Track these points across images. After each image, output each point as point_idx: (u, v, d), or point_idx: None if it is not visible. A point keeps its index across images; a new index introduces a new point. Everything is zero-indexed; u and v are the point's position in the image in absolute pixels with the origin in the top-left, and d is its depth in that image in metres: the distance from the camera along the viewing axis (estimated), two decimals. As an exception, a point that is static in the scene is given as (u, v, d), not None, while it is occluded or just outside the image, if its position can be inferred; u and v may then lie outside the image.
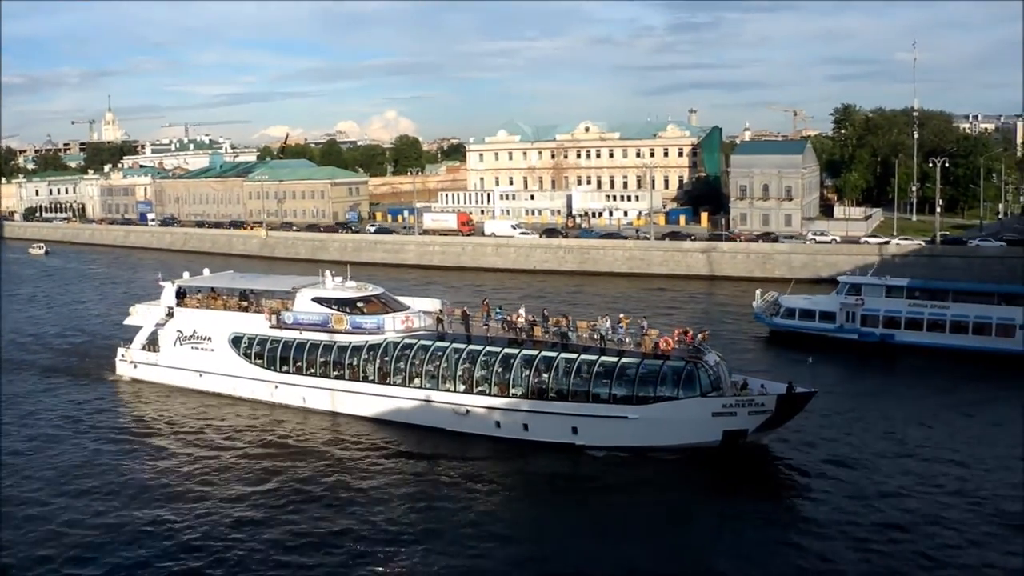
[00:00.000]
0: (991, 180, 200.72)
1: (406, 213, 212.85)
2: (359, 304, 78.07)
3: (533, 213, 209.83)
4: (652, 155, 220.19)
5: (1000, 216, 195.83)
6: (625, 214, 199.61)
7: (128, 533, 53.46)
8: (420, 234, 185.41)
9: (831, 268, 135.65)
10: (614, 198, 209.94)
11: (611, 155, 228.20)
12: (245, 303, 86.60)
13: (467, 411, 68.66)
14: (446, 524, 53.73)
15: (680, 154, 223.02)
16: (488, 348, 69.75)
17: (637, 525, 53.70)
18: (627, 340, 67.56)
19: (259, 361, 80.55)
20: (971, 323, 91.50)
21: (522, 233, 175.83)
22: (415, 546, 50.90)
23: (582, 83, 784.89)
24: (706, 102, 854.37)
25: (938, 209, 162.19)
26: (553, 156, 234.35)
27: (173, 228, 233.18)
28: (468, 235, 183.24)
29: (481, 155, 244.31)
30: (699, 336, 67.86)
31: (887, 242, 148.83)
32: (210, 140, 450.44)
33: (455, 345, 71.25)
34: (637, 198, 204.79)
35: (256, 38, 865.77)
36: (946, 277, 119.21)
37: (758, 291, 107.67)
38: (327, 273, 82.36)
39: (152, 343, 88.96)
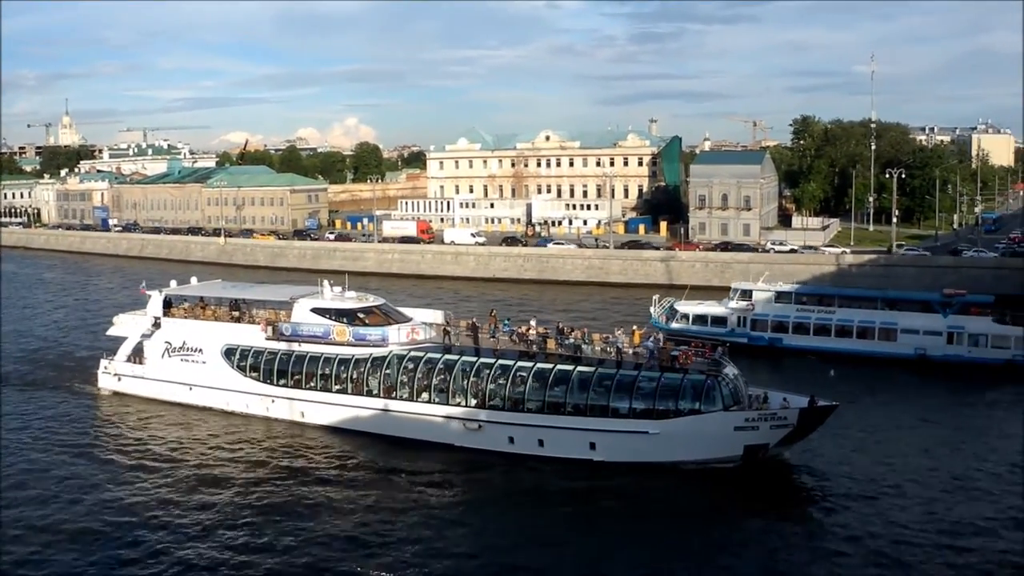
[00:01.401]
0: (947, 191, 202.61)
1: (365, 221, 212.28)
2: (360, 315, 75.46)
3: (493, 221, 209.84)
4: (612, 164, 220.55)
5: (955, 227, 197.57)
6: (585, 223, 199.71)
7: (112, 561, 51.01)
8: (379, 242, 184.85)
9: (789, 277, 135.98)
10: (574, 207, 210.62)
11: (571, 164, 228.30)
12: (237, 313, 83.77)
13: (480, 426, 66.32)
14: (465, 546, 52.29)
15: (640, 163, 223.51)
16: (501, 361, 67.54)
17: (654, 539, 53.12)
18: (651, 350, 66.16)
19: (254, 374, 77.33)
20: (855, 327, 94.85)
21: (478, 243, 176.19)
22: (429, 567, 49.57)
23: (543, 92, 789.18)
24: (667, 112, 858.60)
25: (894, 219, 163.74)
26: (513, 164, 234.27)
27: (130, 234, 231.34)
28: (428, 243, 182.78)
29: (441, 163, 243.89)
30: (719, 349, 66.77)
31: (844, 252, 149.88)
32: (169, 145, 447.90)
33: (465, 358, 68.81)
34: (597, 207, 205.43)
35: (218, 43, 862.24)
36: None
37: (655, 297, 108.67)
38: (325, 283, 79.86)
39: (137, 355, 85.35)
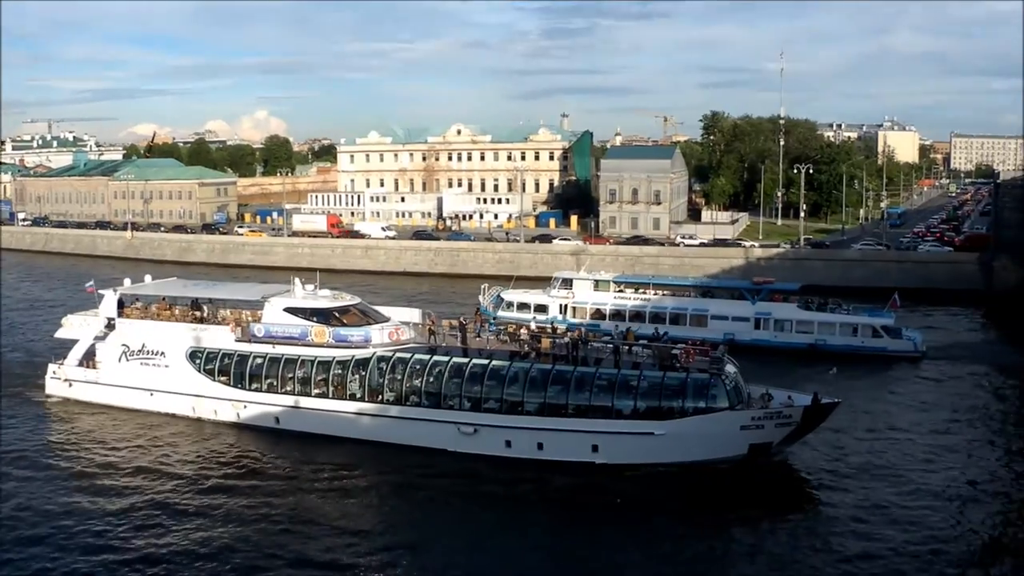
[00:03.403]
0: (853, 187, 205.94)
1: (275, 214, 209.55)
2: (337, 314, 71.62)
3: (404, 215, 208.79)
4: (523, 158, 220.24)
5: (861, 221, 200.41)
6: (495, 217, 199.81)
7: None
8: (289, 236, 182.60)
9: (699, 270, 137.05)
10: (485, 201, 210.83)
11: (482, 158, 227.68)
12: (199, 313, 78.74)
13: (475, 430, 63.52)
14: (465, 553, 50.24)
15: (551, 158, 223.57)
16: (495, 362, 65.09)
17: (658, 540, 52.00)
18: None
19: (223, 378, 72.25)
20: (668, 313, 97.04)
21: (389, 237, 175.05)
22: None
23: (455, 86, 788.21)
24: (578, 107, 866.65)
25: (802, 214, 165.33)
26: (424, 158, 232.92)
27: (35, 228, 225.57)
28: (338, 237, 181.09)
29: (352, 156, 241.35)
30: (720, 347, 65.73)
31: (753, 246, 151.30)
32: (74, 137, 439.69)
33: (456, 359, 65.84)
34: (508, 201, 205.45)
35: (126, 33, 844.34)
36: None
37: (484, 286, 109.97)
38: (296, 280, 76.04)
39: (89, 358, 79.42)
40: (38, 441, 68.97)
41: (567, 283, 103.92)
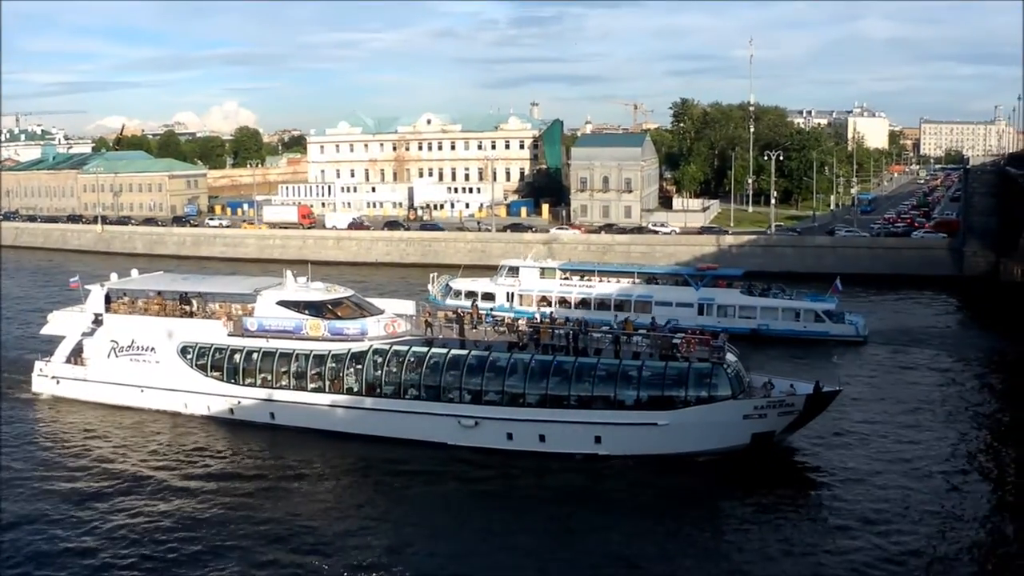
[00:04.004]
0: (824, 173, 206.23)
1: (246, 206, 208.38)
2: (331, 307, 70.41)
3: (375, 206, 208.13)
4: (494, 147, 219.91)
5: (832, 208, 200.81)
6: (467, 206, 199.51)
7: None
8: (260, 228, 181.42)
9: (670, 258, 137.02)
10: (456, 190, 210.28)
11: (453, 147, 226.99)
12: (188, 307, 76.59)
13: (476, 423, 62.64)
14: (468, 548, 49.42)
15: (521, 146, 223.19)
16: (495, 353, 64.32)
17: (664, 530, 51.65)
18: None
19: (216, 373, 71.05)
20: (613, 300, 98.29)
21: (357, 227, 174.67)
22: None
23: (425, 75, 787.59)
24: (548, 95, 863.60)
25: (773, 201, 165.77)
26: (395, 148, 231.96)
27: (8, 223, 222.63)
28: (309, 228, 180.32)
29: (322, 147, 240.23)
30: (720, 336, 64.43)
31: (725, 232, 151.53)
32: (42, 131, 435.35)
33: (455, 351, 65.09)
34: (479, 190, 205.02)
35: (94, 25, 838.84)
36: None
37: (433, 274, 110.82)
38: (288, 273, 74.56)
39: (76, 355, 77.86)
40: (26, 441, 67.15)
41: (514, 271, 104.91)
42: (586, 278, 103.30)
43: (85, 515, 53.51)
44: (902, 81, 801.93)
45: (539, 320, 69.97)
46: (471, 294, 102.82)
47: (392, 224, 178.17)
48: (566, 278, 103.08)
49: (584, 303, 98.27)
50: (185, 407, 72.06)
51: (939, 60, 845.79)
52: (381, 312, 71.07)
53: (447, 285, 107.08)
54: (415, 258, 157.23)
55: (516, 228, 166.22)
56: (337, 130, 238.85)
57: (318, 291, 72.69)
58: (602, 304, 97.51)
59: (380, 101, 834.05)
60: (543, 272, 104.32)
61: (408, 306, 74.29)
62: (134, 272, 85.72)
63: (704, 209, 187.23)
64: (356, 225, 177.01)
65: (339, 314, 69.85)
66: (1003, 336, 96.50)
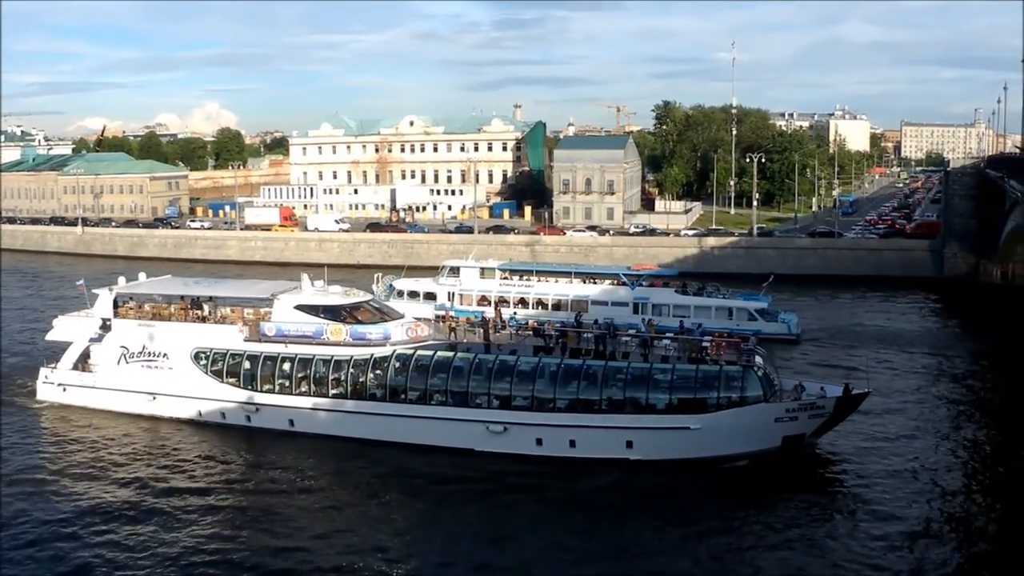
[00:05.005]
0: (805, 175, 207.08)
1: (228, 208, 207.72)
2: (351, 311, 69.38)
3: (357, 207, 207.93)
4: (476, 149, 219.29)
5: (814, 210, 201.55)
6: (449, 208, 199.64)
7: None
8: (242, 229, 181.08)
9: (652, 260, 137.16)
10: (438, 192, 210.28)
11: (435, 149, 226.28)
12: (201, 312, 74.91)
13: (504, 428, 61.80)
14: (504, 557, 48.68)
15: (504, 149, 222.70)
16: (522, 358, 63.68)
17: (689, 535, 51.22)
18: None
19: (232, 380, 69.15)
20: (550, 300, 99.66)
21: (342, 229, 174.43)
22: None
23: (407, 77, 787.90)
24: (531, 98, 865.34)
25: (755, 203, 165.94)
26: (377, 150, 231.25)
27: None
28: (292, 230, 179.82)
29: (304, 149, 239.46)
30: (750, 339, 64.57)
31: (707, 234, 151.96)
32: (22, 132, 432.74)
33: (482, 356, 64.35)
34: (461, 192, 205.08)
35: (75, 25, 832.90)
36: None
37: (377, 275, 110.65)
38: (305, 276, 73.42)
39: (83, 361, 75.78)
40: (34, 451, 65.05)
41: (455, 271, 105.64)
42: (525, 278, 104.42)
43: (98, 529, 51.86)
44: (883, 84, 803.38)
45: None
46: (413, 294, 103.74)
47: (374, 226, 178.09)
48: (505, 278, 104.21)
49: (523, 302, 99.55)
50: (199, 414, 70.44)
51: (920, 64, 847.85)
52: (401, 316, 70.38)
53: (390, 285, 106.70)
54: (398, 259, 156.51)
55: (499, 230, 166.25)
56: (319, 132, 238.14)
57: (336, 295, 71.79)
58: (540, 303, 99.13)
59: (363, 103, 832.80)
60: (483, 272, 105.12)
61: (427, 310, 75.33)
62: (141, 276, 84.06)
63: (686, 211, 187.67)
64: (377, 227, 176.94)
65: (359, 318, 68.92)
66: (968, 335, 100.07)
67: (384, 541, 50.44)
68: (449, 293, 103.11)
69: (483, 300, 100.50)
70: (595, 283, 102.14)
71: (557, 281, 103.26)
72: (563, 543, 49.72)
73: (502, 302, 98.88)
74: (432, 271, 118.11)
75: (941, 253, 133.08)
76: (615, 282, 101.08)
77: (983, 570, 47.45)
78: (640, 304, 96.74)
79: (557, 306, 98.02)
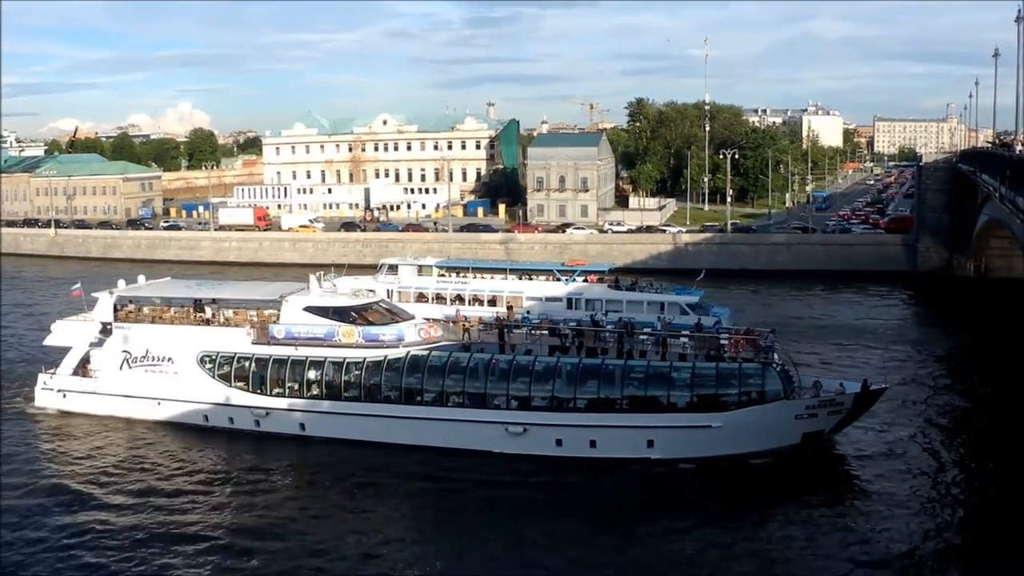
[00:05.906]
0: (779, 171, 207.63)
1: (201, 208, 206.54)
2: (361, 312, 68.35)
3: (331, 207, 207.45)
4: (450, 148, 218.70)
5: (788, 205, 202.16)
6: (423, 207, 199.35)
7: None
8: (216, 230, 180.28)
9: (627, 257, 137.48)
10: (412, 191, 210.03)
11: (409, 148, 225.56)
12: (204, 315, 73.20)
13: (524, 429, 61.11)
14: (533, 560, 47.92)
15: (478, 147, 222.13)
16: (540, 358, 63.33)
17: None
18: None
19: (240, 383, 67.98)
20: (486, 296, 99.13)
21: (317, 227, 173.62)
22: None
23: (380, 76, 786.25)
24: (504, 95, 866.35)
25: (729, 199, 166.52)
26: (351, 149, 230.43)
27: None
28: (265, 230, 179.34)
29: (278, 148, 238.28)
30: (768, 335, 63.87)
31: (681, 231, 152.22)
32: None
33: (499, 356, 63.79)
34: (435, 191, 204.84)
35: (45, 26, 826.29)
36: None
37: (318, 273, 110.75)
38: (312, 277, 72.58)
39: (82, 366, 74.24)
40: (35, 460, 63.77)
41: (393, 269, 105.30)
42: (461, 275, 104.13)
43: (101, 541, 50.81)
44: (855, 79, 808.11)
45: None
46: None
47: (348, 225, 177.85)
48: (442, 275, 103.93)
49: (459, 299, 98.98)
50: (206, 419, 69.09)
51: (891, 59, 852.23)
52: (411, 317, 69.75)
53: (332, 283, 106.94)
54: (372, 259, 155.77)
55: (473, 228, 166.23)
56: (292, 131, 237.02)
57: (345, 296, 71.49)
58: (476, 299, 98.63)
59: (336, 102, 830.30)
60: (420, 269, 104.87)
61: (437, 311, 74.89)
62: (141, 278, 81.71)
63: (660, 208, 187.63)
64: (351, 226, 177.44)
65: (370, 319, 67.98)
66: (942, 328, 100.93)
67: (403, 547, 50.10)
68: (388, 291, 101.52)
69: (421, 297, 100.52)
70: (531, 279, 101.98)
71: (493, 278, 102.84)
72: (591, 542, 49.68)
73: (438, 298, 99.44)
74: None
75: (915, 247, 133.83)
76: (550, 278, 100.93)
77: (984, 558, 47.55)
78: (574, 299, 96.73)
79: (492, 302, 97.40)
